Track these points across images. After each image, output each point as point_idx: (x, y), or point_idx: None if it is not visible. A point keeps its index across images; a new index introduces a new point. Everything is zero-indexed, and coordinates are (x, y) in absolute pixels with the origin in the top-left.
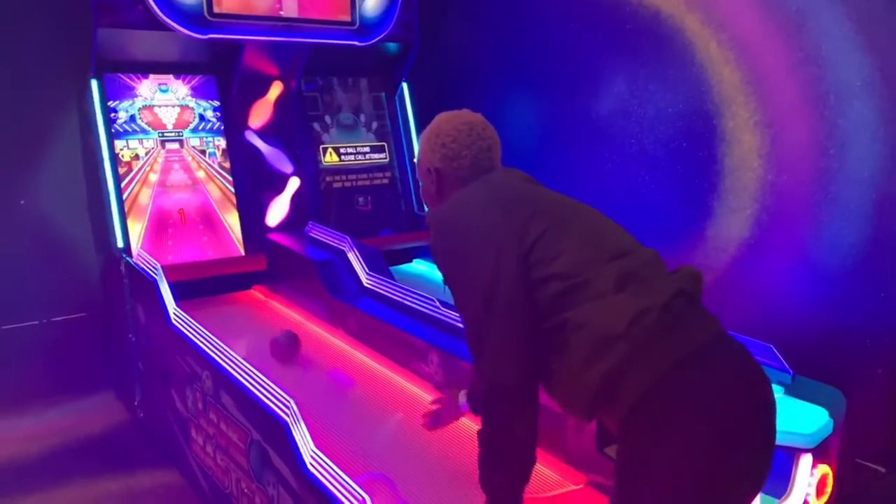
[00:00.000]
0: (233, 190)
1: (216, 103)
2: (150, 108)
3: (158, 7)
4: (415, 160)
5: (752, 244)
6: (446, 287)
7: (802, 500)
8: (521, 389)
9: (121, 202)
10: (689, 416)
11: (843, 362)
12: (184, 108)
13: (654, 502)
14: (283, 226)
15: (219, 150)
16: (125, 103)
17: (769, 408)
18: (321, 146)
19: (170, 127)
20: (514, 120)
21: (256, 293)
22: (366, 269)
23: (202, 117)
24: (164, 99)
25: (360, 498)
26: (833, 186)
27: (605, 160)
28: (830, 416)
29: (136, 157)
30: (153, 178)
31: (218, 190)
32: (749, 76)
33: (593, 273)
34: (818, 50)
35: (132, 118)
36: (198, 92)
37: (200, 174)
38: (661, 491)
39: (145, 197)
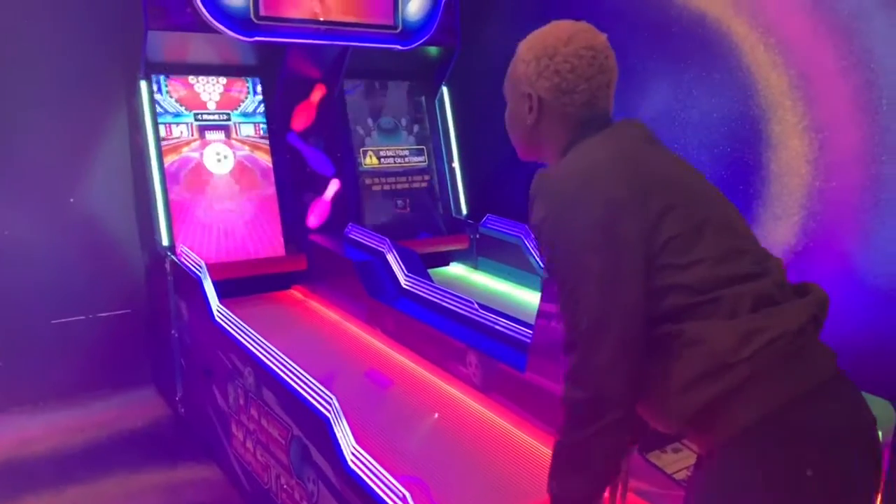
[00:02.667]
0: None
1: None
2: (181, 78)
3: (207, 10)
4: (510, 75)
5: (798, 251)
6: (547, 267)
7: None
8: (627, 402)
9: (167, 201)
10: (798, 455)
11: (892, 374)
12: (232, 80)
13: None
14: (324, 227)
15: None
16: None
17: (880, 460)
18: (361, 149)
19: (212, 106)
20: None
21: (296, 293)
22: (404, 270)
23: (255, 92)
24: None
25: (400, 495)
26: (884, 194)
27: None
28: (879, 428)
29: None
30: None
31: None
32: (797, 80)
33: (727, 292)
34: (870, 54)
35: (158, 91)
36: None
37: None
38: None
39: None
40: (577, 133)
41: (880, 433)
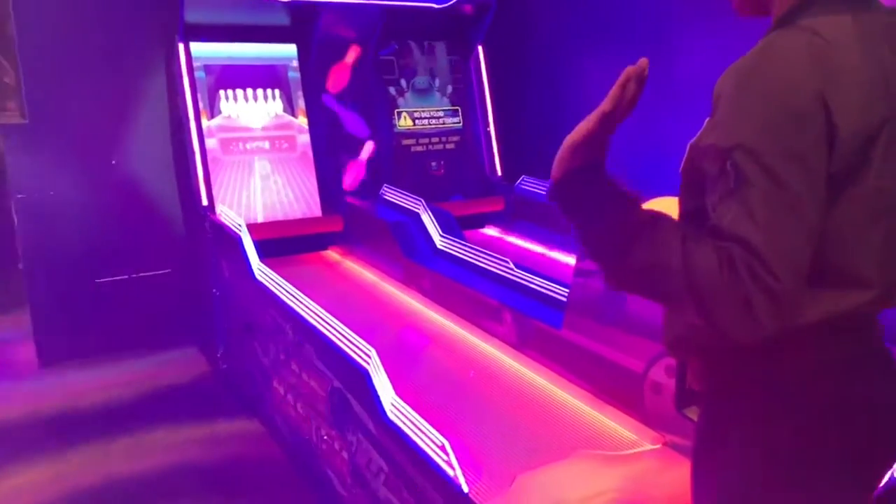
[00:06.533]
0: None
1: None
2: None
3: None
4: None
5: None
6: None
7: None
8: (788, 299)
9: (206, 162)
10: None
11: None
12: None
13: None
14: (359, 188)
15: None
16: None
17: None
18: (396, 110)
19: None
20: (593, 84)
21: (332, 253)
22: (439, 230)
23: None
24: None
25: (439, 444)
26: None
27: (693, 124)
28: None
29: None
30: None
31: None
32: None
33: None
34: None
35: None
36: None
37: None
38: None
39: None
40: None
41: None
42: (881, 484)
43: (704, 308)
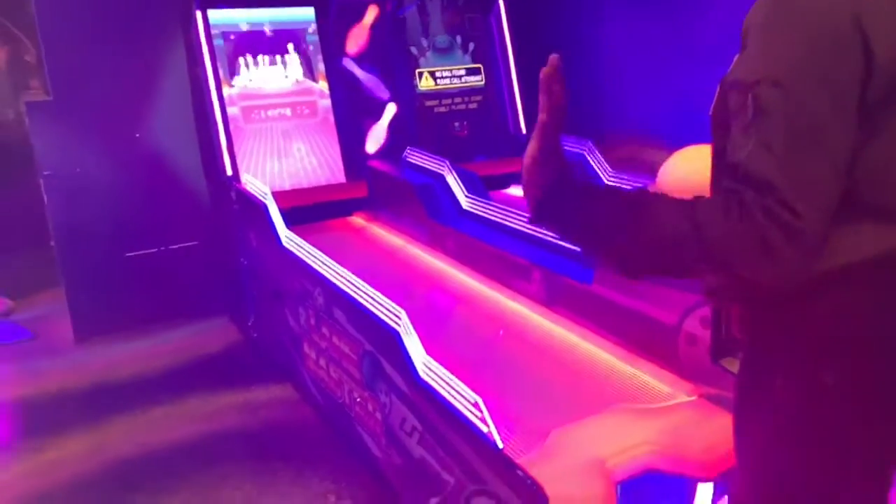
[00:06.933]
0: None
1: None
2: None
3: None
4: None
5: None
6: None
7: None
8: (811, 235)
9: (228, 131)
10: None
11: None
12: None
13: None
14: (382, 152)
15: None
16: None
17: None
18: (417, 70)
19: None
20: (618, 37)
21: (358, 219)
22: (465, 191)
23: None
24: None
25: (472, 401)
26: None
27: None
28: None
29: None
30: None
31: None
32: None
33: None
34: None
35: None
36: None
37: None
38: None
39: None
40: None
41: None
42: None
43: (724, 263)
